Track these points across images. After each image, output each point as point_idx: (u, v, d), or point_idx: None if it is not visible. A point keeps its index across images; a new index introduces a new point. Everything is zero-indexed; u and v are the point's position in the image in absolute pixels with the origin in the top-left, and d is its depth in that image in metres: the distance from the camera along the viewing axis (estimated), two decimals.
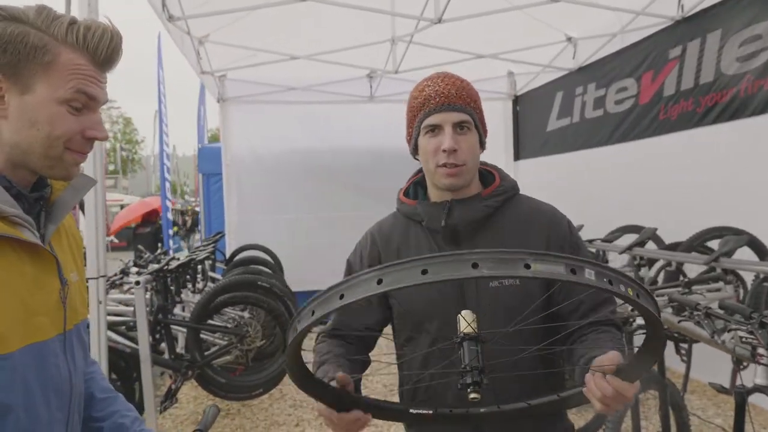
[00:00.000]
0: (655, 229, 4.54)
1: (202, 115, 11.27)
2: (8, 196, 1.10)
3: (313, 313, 1.00)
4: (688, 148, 5.32)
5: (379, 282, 0.91)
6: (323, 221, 8.17)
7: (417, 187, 1.72)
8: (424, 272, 0.88)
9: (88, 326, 1.48)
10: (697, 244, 4.22)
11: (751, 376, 2.44)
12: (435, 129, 1.53)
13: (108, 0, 3.33)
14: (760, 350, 2.30)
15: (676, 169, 5.45)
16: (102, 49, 1.12)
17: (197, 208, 25.88)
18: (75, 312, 1.26)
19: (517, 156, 8.64)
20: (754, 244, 4.08)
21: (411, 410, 1.53)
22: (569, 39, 6.70)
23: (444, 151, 1.50)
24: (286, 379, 5.31)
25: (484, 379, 1.14)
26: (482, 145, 1.59)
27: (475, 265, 0.88)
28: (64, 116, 1.10)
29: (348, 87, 7.90)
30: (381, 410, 1.50)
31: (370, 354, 1.73)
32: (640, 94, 6.01)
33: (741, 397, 2.54)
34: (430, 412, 1.51)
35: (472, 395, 1.13)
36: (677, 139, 5.46)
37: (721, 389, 2.53)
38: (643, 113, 5.93)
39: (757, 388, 2.46)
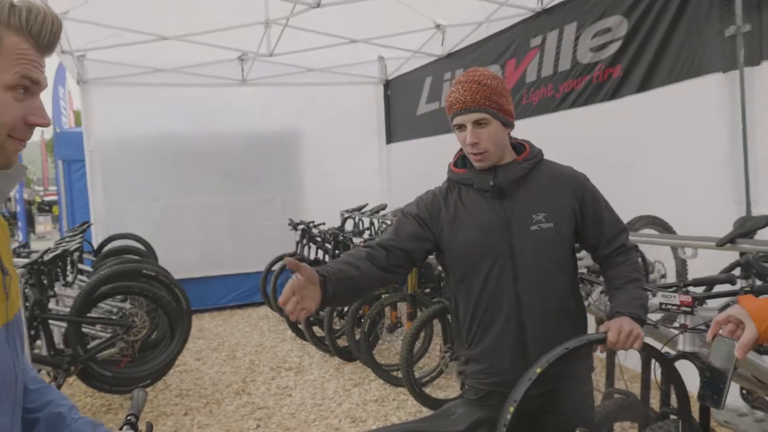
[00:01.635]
0: None
1: (59, 97, 10.47)
2: None
3: None
4: (547, 131, 5.77)
5: None
6: (197, 207, 7.99)
7: (464, 159, 2.09)
8: None
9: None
10: None
11: None
12: (461, 127, 1.96)
13: None
14: None
15: None
16: (45, 33, 1.09)
17: (47, 198, 24.09)
18: (14, 302, 1.21)
19: (390, 139, 8.91)
20: None
21: None
22: (438, 26, 7.00)
23: (468, 144, 1.95)
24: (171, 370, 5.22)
25: None
26: (507, 125, 1.99)
27: None
28: (10, 103, 1.06)
29: (219, 69, 7.75)
30: None
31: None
32: (505, 80, 6.42)
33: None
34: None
35: None
36: (538, 122, 5.91)
37: None
38: None
39: None
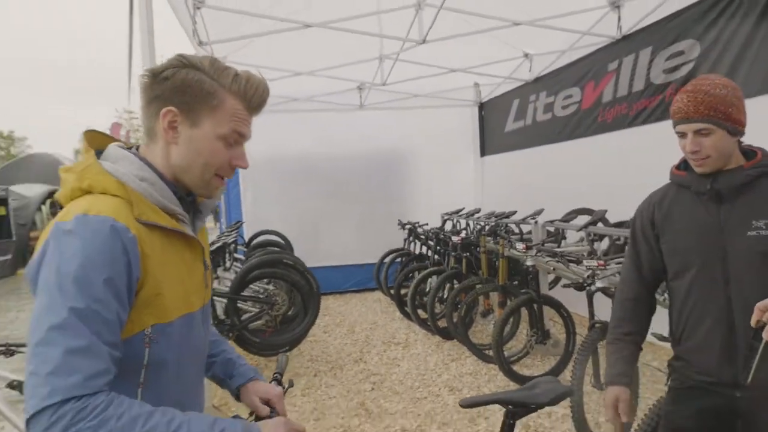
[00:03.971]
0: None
1: None
2: (176, 199, 1.21)
3: None
4: (621, 145, 5.54)
5: None
6: (326, 210, 8.35)
7: (687, 161, 1.87)
8: None
9: None
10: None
11: None
12: (683, 134, 1.75)
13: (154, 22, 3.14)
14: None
15: (611, 161, 5.67)
16: (257, 99, 1.21)
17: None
18: (209, 290, 1.36)
19: (483, 152, 8.85)
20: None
21: None
22: (526, 55, 6.88)
23: (689, 152, 1.74)
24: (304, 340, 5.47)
25: None
26: (735, 134, 1.71)
27: None
28: (221, 150, 1.19)
29: (341, 98, 8.02)
30: None
31: None
32: (583, 100, 6.22)
33: (590, 292, 3.42)
34: None
35: None
36: (612, 137, 5.68)
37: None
38: (585, 116, 6.15)
39: (599, 289, 3.42)
